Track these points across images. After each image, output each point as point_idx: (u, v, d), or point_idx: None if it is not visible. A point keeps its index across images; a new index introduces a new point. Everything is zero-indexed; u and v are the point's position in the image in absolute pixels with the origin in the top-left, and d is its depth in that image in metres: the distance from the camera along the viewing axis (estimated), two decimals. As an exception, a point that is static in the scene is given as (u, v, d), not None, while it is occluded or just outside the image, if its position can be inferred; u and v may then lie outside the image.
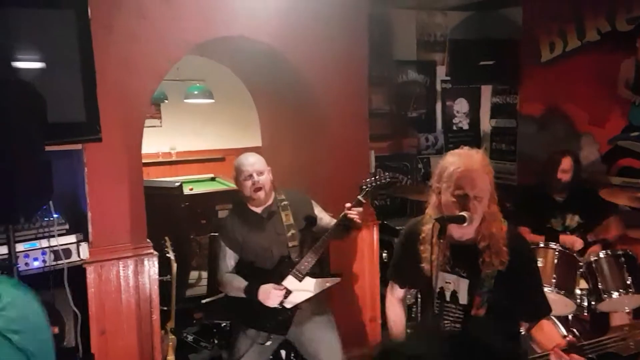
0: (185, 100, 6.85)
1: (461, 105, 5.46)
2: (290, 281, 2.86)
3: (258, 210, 2.99)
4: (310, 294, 2.89)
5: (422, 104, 5.25)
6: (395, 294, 2.34)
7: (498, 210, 1.99)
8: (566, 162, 3.87)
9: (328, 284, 2.95)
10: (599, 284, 3.44)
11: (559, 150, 4.02)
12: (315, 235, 3.00)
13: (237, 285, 2.92)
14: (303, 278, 2.86)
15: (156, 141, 7.13)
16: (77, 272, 3.07)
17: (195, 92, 6.74)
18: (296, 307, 2.88)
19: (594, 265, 3.48)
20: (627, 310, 3.69)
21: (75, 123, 2.70)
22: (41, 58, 2.56)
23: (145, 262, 3.30)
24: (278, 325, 2.87)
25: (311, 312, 2.96)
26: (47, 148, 2.47)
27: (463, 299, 2.00)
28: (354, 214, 2.83)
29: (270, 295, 2.80)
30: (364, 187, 2.89)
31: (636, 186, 4.10)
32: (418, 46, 5.13)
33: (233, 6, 3.47)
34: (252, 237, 2.97)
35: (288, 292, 2.85)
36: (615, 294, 3.39)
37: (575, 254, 3.60)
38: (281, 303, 2.84)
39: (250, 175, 2.90)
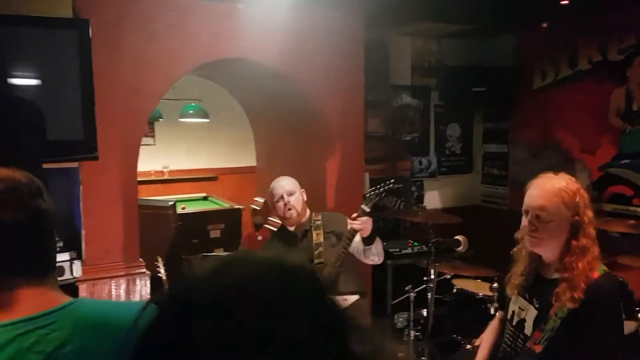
0: (180, 120, 6.86)
1: (454, 130, 5.51)
2: None
3: (293, 229, 3.11)
4: None
5: (416, 128, 5.30)
6: (498, 316, 2.30)
7: (593, 248, 1.87)
8: None
9: (347, 302, 2.91)
10: (591, 310, 3.46)
11: None
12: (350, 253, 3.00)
13: None
14: None
15: (149, 159, 7.10)
16: (70, 290, 3.03)
17: (191, 112, 6.74)
18: None
19: (585, 291, 3.50)
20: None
21: (73, 141, 2.70)
22: (42, 76, 2.58)
23: (137, 282, 3.29)
24: None
25: None
26: (44, 165, 2.46)
27: (528, 329, 1.94)
28: (356, 224, 2.83)
29: None
30: (368, 195, 2.91)
31: (626, 213, 4.15)
32: (413, 71, 5.20)
33: (238, 29, 3.53)
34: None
35: None
36: (606, 321, 3.40)
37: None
38: None
39: (282, 197, 3.03)
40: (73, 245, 3.11)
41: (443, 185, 5.44)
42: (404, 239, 5.00)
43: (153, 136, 7.48)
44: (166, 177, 7.58)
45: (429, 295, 2.93)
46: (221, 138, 7.62)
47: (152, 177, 7.42)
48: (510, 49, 5.15)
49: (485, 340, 2.20)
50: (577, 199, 1.87)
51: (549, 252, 1.91)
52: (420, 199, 5.33)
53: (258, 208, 4.71)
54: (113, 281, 3.21)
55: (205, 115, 6.78)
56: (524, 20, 4.57)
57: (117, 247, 3.25)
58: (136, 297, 3.28)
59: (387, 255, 4.53)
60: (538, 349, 1.86)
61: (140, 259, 3.35)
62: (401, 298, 4.36)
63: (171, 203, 5.02)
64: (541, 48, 4.85)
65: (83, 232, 3.16)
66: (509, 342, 2.00)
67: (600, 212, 4.30)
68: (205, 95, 6.77)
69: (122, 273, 3.24)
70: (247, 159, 6.54)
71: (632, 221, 3.73)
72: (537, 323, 1.90)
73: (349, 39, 3.98)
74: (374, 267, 4.33)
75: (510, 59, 5.14)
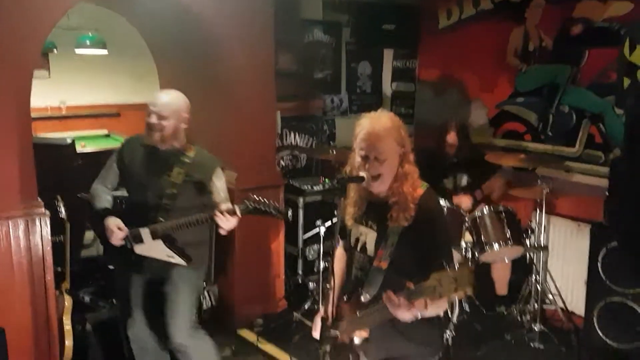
0: (76, 51, 6.39)
1: (364, 68, 5.57)
2: (145, 233, 2.83)
3: (164, 148, 2.87)
4: (155, 255, 2.86)
5: (328, 65, 5.29)
6: (341, 243, 2.40)
7: (414, 171, 2.09)
8: (450, 137, 4.18)
9: (171, 259, 2.86)
10: (482, 237, 3.76)
11: (443, 125, 4.26)
12: (204, 204, 2.89)
13: (97, 203, 2.92)
14: (156, 238, 2.83)
15: (44, 94, 6.59)
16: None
17: (87, 42, 6.28)
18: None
19: (478, 220, 3.79)
20: (507, 261, 4.08)
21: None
22: None
23: (37, 222, 3.16)
24: (134, 263, 2.91)
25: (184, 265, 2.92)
26: None
27: (371, 250, 2.12)
28: (222, 219, 2.70)
29: (111, 234, 2.82)
30: (247, 202, 2.74)
31: (518, 148, 4.46)
32: (324, 6, 5.12)
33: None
34: (138, 169, 2.91)
35: (139, 240, 2.84)
36: (496, 246, 3.72)
37: (462, 210, 3.90)
38: (131, 246, 2.86)
39: (150, 114, 2.83)
40: (-37, 186, 2.90)
41: (354, 124, 5.52)
42: (315, 176, 5.10)
43: (48, 69, 6.94)
44: (64, 113, 7.12)
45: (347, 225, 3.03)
46: (122, 71, 7.19)
47: (49, 113, 6.94)
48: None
49: (337, 268, 2.33)
50: (403, 133, 2.09)
51: (385, 185, 2.08)
52: (332, 137, 5.41)
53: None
54: (10, 222, 3.06)
55: (103, 46, 6.36)
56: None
57: (13, 187, 3.08)
58: (36, 238, 3.15)
59: (299, 191, 4.64)
60: (384, 265, 2.05)
61: (39, 199, 3.19)
62: (312, 232, 4.50)
63: (70, 140, 4.74)
64: (447, -14, 4.94)
65: (-27, 172, 2.95)
66: (358, 267, 2.19)
67: (494, 147, 4.60)
68: (102, 24, 6.31)
69: (20, 214, 3.10)
70: (152, 95, 6.24)
71: (523, 156, 4.03)
72: (378, 243, 2.10)
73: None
74: (287, 203, 4.40)
75: (419, -3, 5.19)
